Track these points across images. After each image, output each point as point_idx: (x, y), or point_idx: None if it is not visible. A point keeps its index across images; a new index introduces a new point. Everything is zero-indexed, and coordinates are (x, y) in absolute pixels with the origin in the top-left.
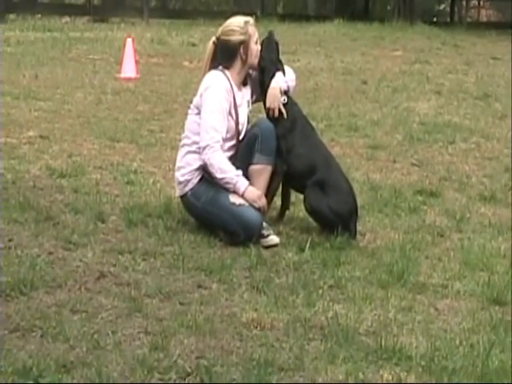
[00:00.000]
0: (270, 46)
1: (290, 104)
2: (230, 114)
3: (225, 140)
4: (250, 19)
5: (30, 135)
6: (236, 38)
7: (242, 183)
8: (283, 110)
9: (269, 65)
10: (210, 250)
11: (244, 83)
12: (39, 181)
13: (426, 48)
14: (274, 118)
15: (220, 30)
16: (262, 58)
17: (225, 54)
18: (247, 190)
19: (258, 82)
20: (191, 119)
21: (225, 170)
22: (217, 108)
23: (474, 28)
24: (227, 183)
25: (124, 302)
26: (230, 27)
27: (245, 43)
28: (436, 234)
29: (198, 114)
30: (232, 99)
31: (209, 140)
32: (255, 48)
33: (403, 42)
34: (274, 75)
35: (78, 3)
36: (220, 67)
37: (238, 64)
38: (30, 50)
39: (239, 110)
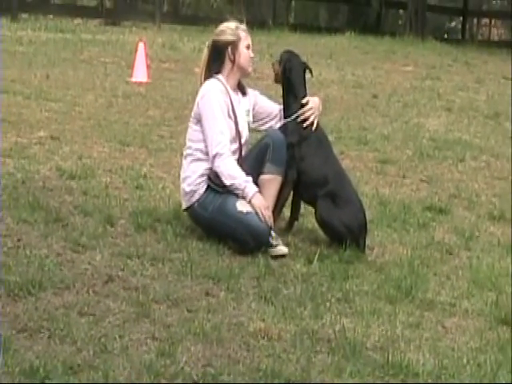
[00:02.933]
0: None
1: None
2: (228, 115)
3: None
4: (243, 25)
5: (40, 135)
6: (225, 37)
7: (250, 189)
8: (315, 123)
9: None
10: (219, 258)
11: (243, 92)
12: (49, 181)
13: (437, 64)
14: (288, 127)
15: (213, 35)
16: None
17: (215, 56)
18: (255, 197)
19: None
20: (192, 129)
21: (234, 176)
22: (217, 112)
23: (485, 46)
24: (236, 189)
25: (132, 306)
26: (220, 28)
27: (233, 43)
28: (445, 252)
29: (197, 123)
30: (229, 101)
31: (217, 147)
32: (246, 52)
33: (414, 58)
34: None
35: (91, 5)
36: (213, 75)
37: (227, 65)
38: (41, 50)
39: (237, 113)
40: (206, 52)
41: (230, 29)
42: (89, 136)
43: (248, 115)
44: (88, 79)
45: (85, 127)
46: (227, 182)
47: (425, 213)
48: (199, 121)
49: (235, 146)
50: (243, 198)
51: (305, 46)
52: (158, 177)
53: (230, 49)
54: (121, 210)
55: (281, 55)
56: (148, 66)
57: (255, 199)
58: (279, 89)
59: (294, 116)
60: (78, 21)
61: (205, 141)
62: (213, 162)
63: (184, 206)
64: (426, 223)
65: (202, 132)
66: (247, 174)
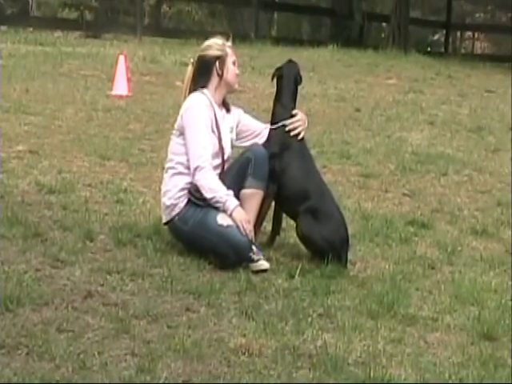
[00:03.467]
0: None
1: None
2: (212, 130)
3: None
4: (229, 42)
5: (19, 149)
6: (212, 52)
7: (231, 202)
8: (302, 134)
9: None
10: (199, 273)
11: (227, 109)
12: (28, 196)
13: (420, 77)
14: (272, 136)
15: (198, 51)
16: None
17: (202, 71)
18: (236, 210)
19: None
20: (174, 141)
21: (215, 189)
22: (200, 125)
23: (468, 59)
24: (217, 202)
25: (111, 322)
26: (207, 43)
27: (221, 58)
28: (427, 266)
29: (180, 135)
30: (213, 115)
31: (198, 160)
32: (232, 68)
33: (397, 71)
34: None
35: (71, 18)
36: (199, 89)
37: (214, 80)
38: (21, 64)
39: (221, 128)
40: (190, 68)
41: (218, 44)
42: (68, 150)
43: (231, 132)
44: (68, 92)
45: (64, 141)
46: (208, 196)
47: (407, 227)
48: (182, 133)
49: (217, 161)
50: (224, 211)
51: (287, 58)
52: (138, 191)
53: (217, 63)
54: (100, 224)
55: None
56: (129, 79)
57: (236, 213)
58: (261, 103)
59: (280, 123)
60: (58, 33)
61: (187, 154)
62: (193, 176)
63: (164, 220)
64: (409, 238)
65: (185, 145)
66: (228, 188)
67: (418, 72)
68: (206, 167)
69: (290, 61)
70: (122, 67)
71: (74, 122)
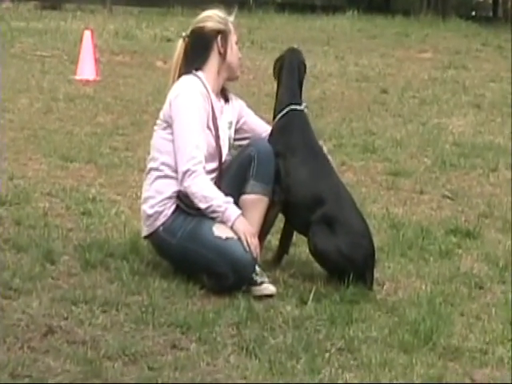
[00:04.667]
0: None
1: (296, 114)
2: (207, 126)
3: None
4: (231, 17)
5: None
6: (213, 24)
7: (232, 211)
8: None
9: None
10: (188, 301)
11: (225, 98)
12: None
13: (463, 49)
14: (274, 132)
15: (192, 23)
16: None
17: (198, 46)
18: (238, 220)
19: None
20: (158, 135)
21: (210, 197)
22: (193, 118)
23: None
24: (214, 212)
25: (78, 364)
26: (205, 14)
27: (223, 33)
28: (473, 286)
29: (167, 128)
30: (210, 107)
31: (188, 163)
32: (236, 48)
33: (433, 42)
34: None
35: None
36: (193, 71)
37: (214, 60)
38: None
39: (219, 123)
40: (181, 44)
41: (219, 16)
42: (22, 150)
43: (230, 128)
44: (21, 78)
45: (17, 139)
46: (202, 206)
47: (448, 237)
48: (170, 126)
49: (213, 165)
50: (223, 222)
51: (295, 30)
52: (110, 200)
53: (219, 39)
54: (63, 243)
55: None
56: (97, 60)
57: (239, 223)
58: (263, 86)
59: (284, 111)
60: (6, 4)
61: (174, 153)
62: (182, 181)
63: (145, 232)
64: (450, 250)
65: (173, 141)
66: (225, 194)
67: (459, 42)
68: (198, 171)
69: (293, 49)
70: (87, 45)
71: (28, 115)
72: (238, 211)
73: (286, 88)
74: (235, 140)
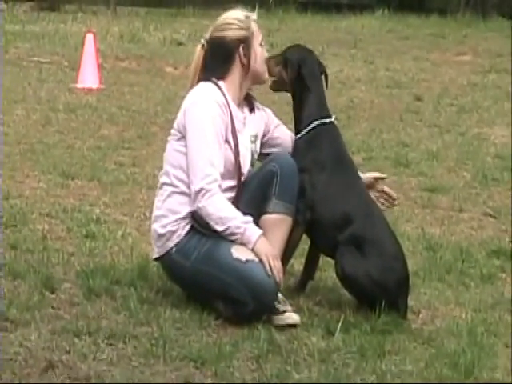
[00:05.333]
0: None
1: (325, 127)
2: (226, 139)
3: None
4: (253, 14)
5: None
6: (234, 33)
7: (252, 231)
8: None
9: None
10: (202, 332)
11: (250, 108)
12: None
13: (505, 51)
14: (300, 146)
15: (211, 28)
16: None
17: (218, 57)
18: (259, 241)
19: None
20: (172, 147)
21: (227, 218)
22: (208, 131)
23: None
24: (232, 235)
25: None
26: (225, 21)
27: (246, 41)
28: None
29: (181, 139)
30: (229, 119)
31: (202, 181)
32: (261, 51)
33: (473, 43)
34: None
35: None
36: (212, 79)
37: (236, 71)
38: None
39: (239, 137)
40: (199, 50)
41: (239, 20)
42: (18, 167)
43: (254, 142)
44: (16, 87)
45: (12, 154)
46: (219, 228)
47: (491, 260)
48: (184, 136)
49: (231, 183)
50: (243, 244)
51: (319, 31)
52: (115, 221)
53: (241, 48)
54: (64, 269)
55: (287, 53)
56: (100, 67)
57: (260, 244)
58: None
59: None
60: (0, 5)
61: (187, 169)
62: (195, 200)
63: (156, 254)
64: (493, 274)
65: (186, 154)
66: (244, 214)
67: (502, 44)
68: (213, 190)
69: (303, 48)
70: (90, 50)
71: (25, 128)
72: (259, 231)
73: (313, 98)
74: (261, 155)
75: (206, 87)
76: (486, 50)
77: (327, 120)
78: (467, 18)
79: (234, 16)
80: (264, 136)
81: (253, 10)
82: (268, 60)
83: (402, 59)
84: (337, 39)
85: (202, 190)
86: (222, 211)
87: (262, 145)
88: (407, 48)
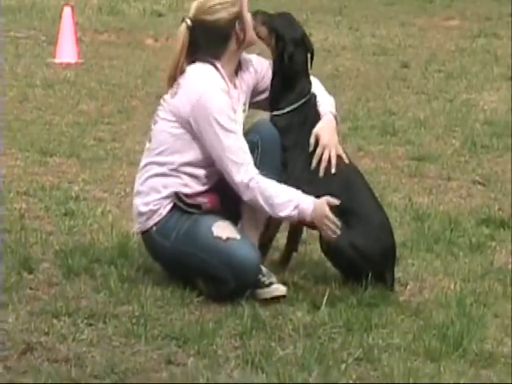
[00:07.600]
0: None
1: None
2: None
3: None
4: None
5: None
6: (226, 13)
7: (305, 203)
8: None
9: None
10: (185, 309)
11: (236, 72)
12: None
13: (494, 15)
14: (284, 121)
15: (196, 5)
16: (279, 38)
17: (215, 40)
18: (316, 206)
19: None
20: (164, 127)
21: (289, 198)
22: (229, 123)
23: None
24: (290, 217)
25: None
26: (213, 1)
27: (240, 16)
28: (509, 283)
29: (176, 122)
30: (230, 101)
31: (246, 173)
32: (248, 16)
33: (460, 7)
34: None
35: None
36: (209, 59)
37: (232, 47)
38: None
39: (237, 116)
40: (183, 31)
41: None
42: None
43: (244, 111)
44: None
45: None
46: (281, 214)
47: (480, 228)
48: (183, 126)
49: None
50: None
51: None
52: (95, 198)
53: (237, 24)
54: (43, 248)
55: (278, 27)
56: (78, 41)
57: (318, 206)
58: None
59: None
60: None
61: (208, 163)
62: (244, 194)
63: (137, 228)
64: (482, 243)
65: (185, 140)
66: (224, 187)
67: (490, 7)
68: (256, 178)
69: (289, 17)
70: (67, 24)
71: (1, 105)
72: (311, 198)
73: (299, 80)
74: (253, 104)
75: (206, 72)
76: (474, 14)
77: (308, 97)
78: None
79: None
80: (252, 95)
81: None
82: (254, 18)
83: (389, 25)
84: (321, 6)
85: (251, 180)
86: (282, 195)
87: (254, 92)
88: (393, 13)
